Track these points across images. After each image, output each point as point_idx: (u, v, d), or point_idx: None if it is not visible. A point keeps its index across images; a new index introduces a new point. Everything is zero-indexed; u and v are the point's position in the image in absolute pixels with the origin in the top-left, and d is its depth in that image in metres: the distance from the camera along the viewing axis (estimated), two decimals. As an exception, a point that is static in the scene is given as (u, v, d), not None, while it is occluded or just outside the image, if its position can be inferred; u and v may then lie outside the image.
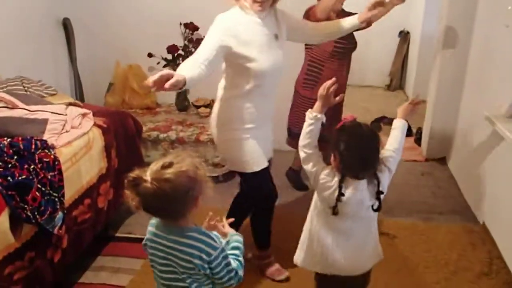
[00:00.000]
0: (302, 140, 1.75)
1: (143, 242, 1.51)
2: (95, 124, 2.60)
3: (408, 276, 2.47)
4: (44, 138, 2.21)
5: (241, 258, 1.51)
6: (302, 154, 1.76)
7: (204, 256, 1.38)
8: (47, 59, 3.62)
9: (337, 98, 1.79)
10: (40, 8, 3.49)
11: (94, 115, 2.66)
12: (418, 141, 4.16)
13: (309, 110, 1.77)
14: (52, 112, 2.36)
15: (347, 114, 1.76)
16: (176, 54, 3.75)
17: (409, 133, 4.45)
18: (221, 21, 1.98)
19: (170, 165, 1.34)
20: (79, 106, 2.74)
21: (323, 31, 2.28)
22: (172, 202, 1.34)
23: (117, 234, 2.84)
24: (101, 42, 3.96)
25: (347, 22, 2.22)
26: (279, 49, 2.10)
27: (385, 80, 6.17)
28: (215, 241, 1.41)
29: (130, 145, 2.92)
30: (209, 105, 3.85)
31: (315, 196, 1.79)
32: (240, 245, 1.55)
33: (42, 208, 1.93)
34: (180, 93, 3.92)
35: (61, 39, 3.75)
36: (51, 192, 2.04)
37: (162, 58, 3.77)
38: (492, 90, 2.86)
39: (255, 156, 2.16)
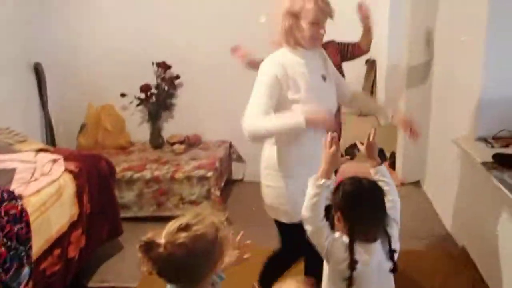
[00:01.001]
0: (307, 212, 1.54)
1: None
2: (66, 169, 2.55)
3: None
4: (12, 188, 2.15)
5: None
6: (308, 228, 1.55)
7: None
8: (17, 104, 3.56)
9: (343, 159, 1.69)
10: (10, 53, 3.44)
11: (65, 159, 2.62)
12: (392, 165, 4.19)
13: (313, 177, 1.57)
14: (20, 161, 2.30)
15: (339, 177, 1.68)
16: (149, 93, 3.76)
17: (383, 157, 4.50)
18: (272, 66, 1.90)
19: (187, 227, 1.23)
20: (49, 151, 2.70)
21: (358, 100, 2.22)
22: (187, 269, 1.23)
23: (90, 284, 2.71)
24: (73, 85, 3.95)
25: (381, 111, 2.17)
26: (329, 91, 2.02)
27: (357, 106, 6.28)
28: None
29: (103, 188, 2.86)
30: (184, 142, 3.84)
31: (325, 266, 1.60)
32: None
33: (7, 264, 1.85)
34: (154, 130, 3.91)
35: (32, 84, 3.71)
36: (17, 246, 1.96)
37: (135, 98, 3.77)
38: (456, 114, 2.96)
39: (296, 205, 1.84)
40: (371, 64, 6.01)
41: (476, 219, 2.63)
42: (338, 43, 3.01)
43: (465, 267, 2.70)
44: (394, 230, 1.54)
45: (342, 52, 3.00)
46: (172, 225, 1.25)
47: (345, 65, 6.62)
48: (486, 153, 2.34)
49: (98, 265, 2.85)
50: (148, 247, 1.21)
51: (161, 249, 1.21)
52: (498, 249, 2.40)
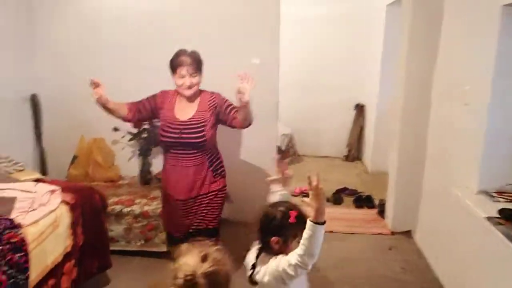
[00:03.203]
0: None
1: None
2: (62, 201, 2.52)
3: None
4: (12, 217, 2.11)
5: None
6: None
7: None
8: (13, 134, 3.56)
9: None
10: (8, 84, 3.48)
11: (61, 191, 2.58)
12: (381, 213, 4.21)
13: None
14: (21, 190, 2.26)
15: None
16: (141, 128, 3.73)
17: (371, 205, 4.53)
18: None
19: (206, 257, 1.32)
20: (47, 182, 2.67)
21: None
22: None
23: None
24: (67, 117, 3.95)
25: None
26: None
27: (343, 151, 6.35)
28: None
29: (95, 221, 2.82)
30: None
31: None
32: None
33: (7, 292, 1.80)
34: (144, 166, 3.85)
35: (27, 115, 3.74)
36: (16, 274, 1.92)
37: (128, 132, 3.74)
38: (456, 165, 2.93)
39: None
40: (360, 109, 6.14)
41: (478, 274, 2.54)
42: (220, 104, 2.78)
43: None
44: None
45: (218, 114, 2.77)
46: (191, 259, 1.30)
47: (335, 109, 6.65)
48: (490, 208, 2.30)
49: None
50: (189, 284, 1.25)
51: (201, 280, 1.26)
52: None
